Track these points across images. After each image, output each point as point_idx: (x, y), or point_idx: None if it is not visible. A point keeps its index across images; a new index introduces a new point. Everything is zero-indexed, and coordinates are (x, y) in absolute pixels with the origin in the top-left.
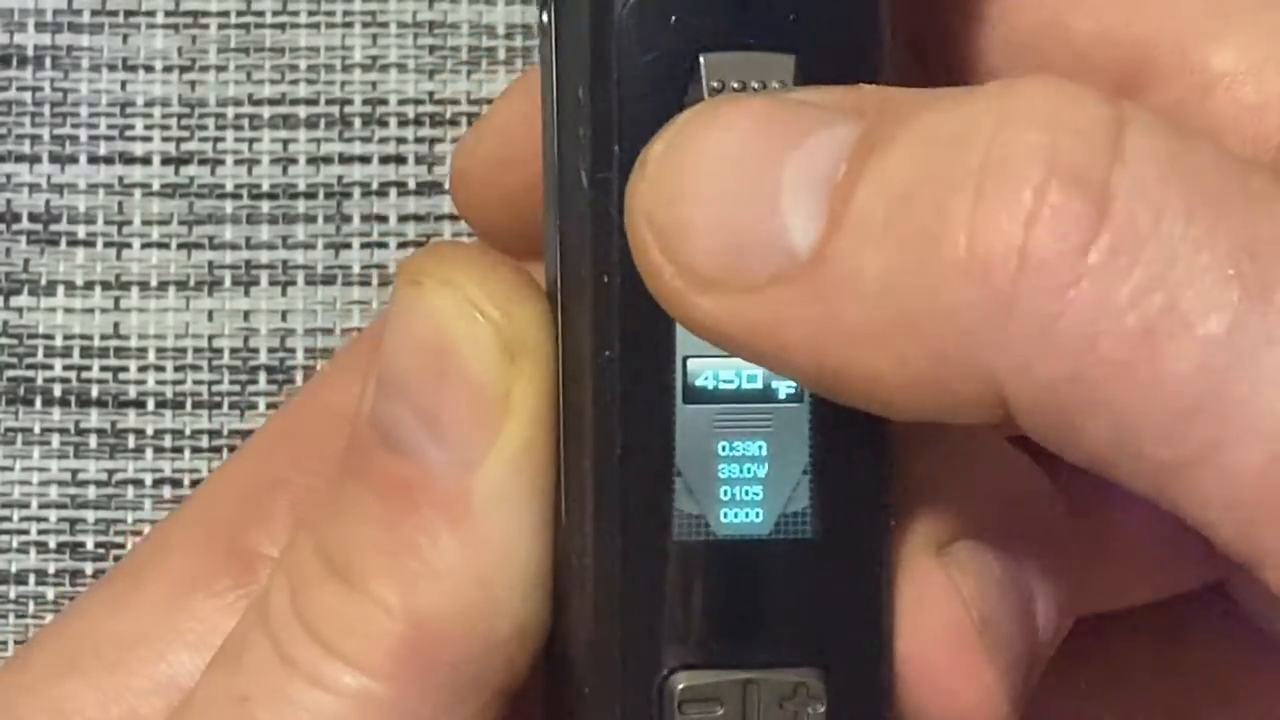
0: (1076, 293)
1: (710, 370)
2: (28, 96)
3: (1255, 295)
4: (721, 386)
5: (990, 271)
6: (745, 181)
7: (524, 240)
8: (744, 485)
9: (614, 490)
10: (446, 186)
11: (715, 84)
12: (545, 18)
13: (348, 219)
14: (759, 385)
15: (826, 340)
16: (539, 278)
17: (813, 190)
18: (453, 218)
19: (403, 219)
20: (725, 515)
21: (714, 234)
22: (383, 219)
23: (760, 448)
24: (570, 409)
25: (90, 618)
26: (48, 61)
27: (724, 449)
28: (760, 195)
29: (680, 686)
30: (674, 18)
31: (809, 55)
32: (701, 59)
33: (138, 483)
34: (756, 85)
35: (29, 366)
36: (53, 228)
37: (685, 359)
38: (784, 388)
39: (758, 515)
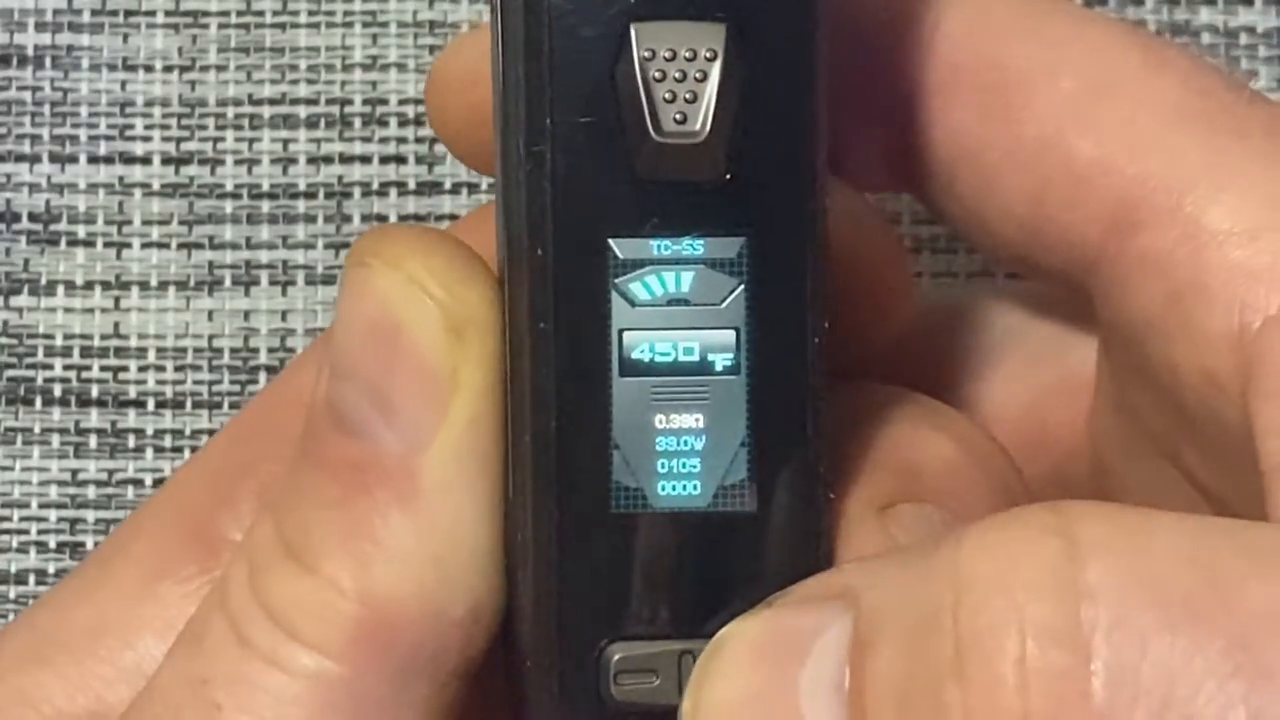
0: None
1: (646, 343)
2: (28, 96)
3: (1263, 684)
4: (658, 359)
5: None
6: (771, 714)
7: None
8: (682, 458)
9: (551, 463)
10: (445, 185)
11: (646, 53)
12: None
13: (348, 219)
14: (695, 358)
15: None
16: None
17: (830, 704)
18: (453, 218)
19: (403, 219)
20: (663, 488)
21: None
22: (383, 219)
23: (697, 420)
24: (513, 384)
25: (59, 607)
26: (48, 61)
27: (661, 421)
28: None
29: (616, 657)
30: None
31: (739, 23)
32: (632, 28)
33: (138, 483)
34: (687, 54)
35: (29, 366)
36: (53, 228)
37: (621, 331)
38: (721, 360)
39: (696, 488)
